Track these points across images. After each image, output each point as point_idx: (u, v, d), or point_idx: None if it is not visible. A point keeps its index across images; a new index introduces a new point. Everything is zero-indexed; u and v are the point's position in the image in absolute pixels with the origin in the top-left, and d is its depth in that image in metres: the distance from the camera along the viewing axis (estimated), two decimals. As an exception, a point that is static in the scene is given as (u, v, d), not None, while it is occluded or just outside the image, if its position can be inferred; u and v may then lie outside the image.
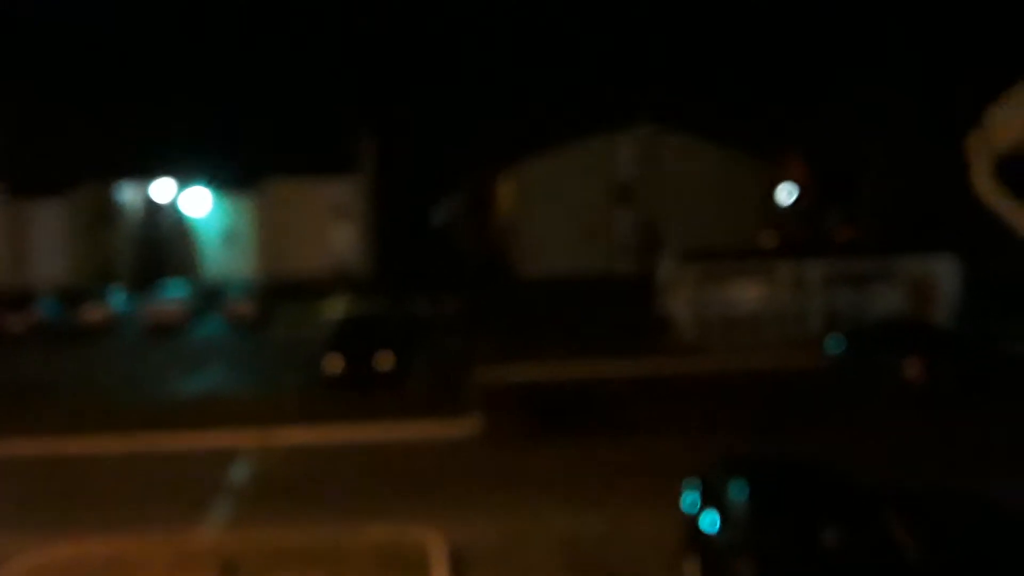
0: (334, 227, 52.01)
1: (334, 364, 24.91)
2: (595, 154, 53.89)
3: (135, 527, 14.50)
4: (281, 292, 43.21)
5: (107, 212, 50.71)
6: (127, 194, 51.25)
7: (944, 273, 31.88)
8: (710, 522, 11.37)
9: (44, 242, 48.59)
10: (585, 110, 62.64)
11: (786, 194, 78.47)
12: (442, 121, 68.69)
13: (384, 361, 24.95)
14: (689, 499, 12.36)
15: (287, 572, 12.28)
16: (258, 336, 36.98)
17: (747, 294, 33.45)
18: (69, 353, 33.76)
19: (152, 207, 52.58)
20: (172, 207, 52.31)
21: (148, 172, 50.95)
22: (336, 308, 38.26)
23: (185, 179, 50.52)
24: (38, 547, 13.45)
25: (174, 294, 39.78)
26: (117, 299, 39.59)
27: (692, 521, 12.09)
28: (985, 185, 7.29)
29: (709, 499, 11.67)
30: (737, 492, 10.97)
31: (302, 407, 22.67)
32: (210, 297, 41.80)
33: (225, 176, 50.00)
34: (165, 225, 52.62)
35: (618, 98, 63.61)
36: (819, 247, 45.42)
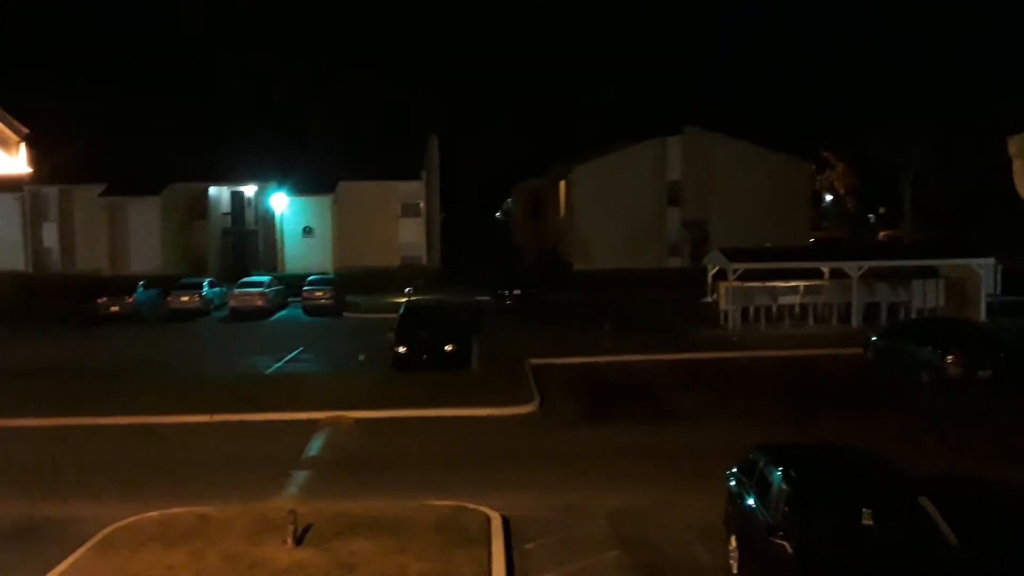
0: (403, 224, 52.43)
1: (402, 347, 25.17)
2: (646, 157, 53.45)
3: (220, 494, 14.79)
4: (355, 283, 43.68)
5: (197, 210, 51.79)
6: (215, 194, 52.32)
7: (983, 273, 31.09)
8: (751, 503, 11.23)
9: (141, 236, 49.78)
10: (636, 115, 62.42)
11: (831, 195, 77.12)
12: (502, 126, 69.03)
13: (448, 345, 25.13)
14: (732, 481, 12.22)
15: (358, 539, 12.41)
16: (333, 322, 37.49)
17: (791, 290, 33.03)
18: (162, 334, 34.59)
19: (238, 206, 53.59)
20: (257, 206, 53.25)
21: (235, 175, 52.00)
22: (405, 297, 38.60)
23: (270, 181, 51.39)
24: (132, 512, 13.79)
25: (256, 283, 40.45)
26: (205, 288, 40.39)
27: (734, 502, 11.97)
28: None
29: (751, 482, 11.53)
30: (778, 476, 10.81)
31: (373, 386, 22.93)
32: (290, 287, 42.48)
33: (305, 179, 50.82)
34: (251, 222, 53.54)
35: (668, 103, 63.19)
36: (862, 247, 44.49)
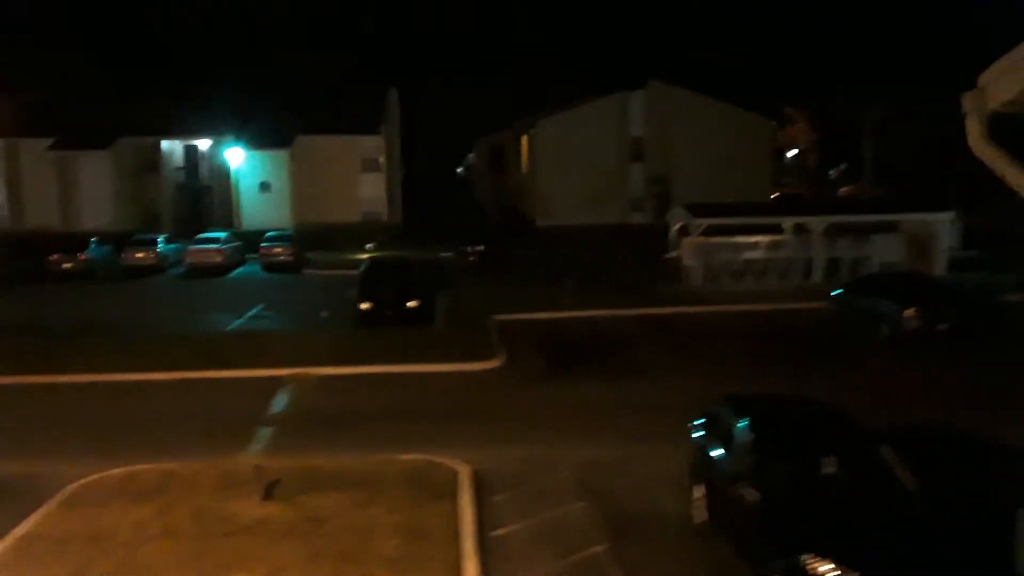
0: (363, 180, 52.03)
1: (365, 303, 25.14)
2: (608, 112, 53.44)
3: (184, 451, 14.80)
4: (314, 239, 43.39)
5: (150, 164, 50.91)
6: (169, 148, 51.41)
7: (942, 228, 31.71)
8: (716, 453, 11.52)
9: (92, 191, 48.92)
10: (599, 69, 62.13)
11: (793, 151, 77.71)
12: (463, 81, 68.39)
13: (411, 301, 25.17)
14: (696, 433, 12.51)
15: (326, 493, 12.54)
16: (292, 278, 37.27)
17: (753, 245, 33.43)
18: (118, 292, 34.15)
19: (192, 161, 52.75)
20: (212, 161, 52.45)
21: (189, 129, 51.08)
22: (366, 253, 38.47)
23: (225, 135, 50.57)
24: (95, 469, 13.76)
25: (213, 239, 40.01)
26: (160, 244, 39.85)
27: (699, 453, 12.26)
28: (979, 142, 7.27)
29: (715, 433, 11.81)
30: (741, 426, 11.10)
31: (336, 342, 22.93)
32: (247, 243, 42.09)
33: (262, 133, 50.11)
34: (205, 177, 52.78)
35: (630, 57, 62.93)
36: (823, 203, 45.10)
